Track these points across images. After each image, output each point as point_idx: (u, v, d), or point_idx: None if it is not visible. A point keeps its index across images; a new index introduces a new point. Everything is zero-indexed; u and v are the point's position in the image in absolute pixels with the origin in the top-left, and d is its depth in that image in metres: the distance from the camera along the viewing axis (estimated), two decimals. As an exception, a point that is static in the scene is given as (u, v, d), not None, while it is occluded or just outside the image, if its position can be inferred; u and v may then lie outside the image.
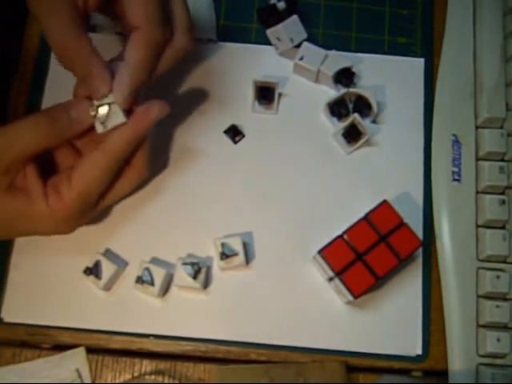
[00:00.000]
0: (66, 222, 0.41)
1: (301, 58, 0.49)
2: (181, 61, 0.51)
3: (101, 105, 0.39)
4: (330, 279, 0.45)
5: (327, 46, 0.50)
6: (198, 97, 0.50)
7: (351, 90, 0.49)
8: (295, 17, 0.49)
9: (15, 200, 0.39)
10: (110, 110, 0.39)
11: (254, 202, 0.48)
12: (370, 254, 0.44)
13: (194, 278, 0.44)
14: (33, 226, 0.41)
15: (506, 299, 0.46)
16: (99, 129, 0.40)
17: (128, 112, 0.40)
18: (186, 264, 0.44)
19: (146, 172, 0.44)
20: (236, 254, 0.45)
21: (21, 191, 0.39)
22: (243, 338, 0.46)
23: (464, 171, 0.48)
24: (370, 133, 0.48)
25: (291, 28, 0.50)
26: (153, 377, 0.45)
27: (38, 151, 0.39)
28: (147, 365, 0.45)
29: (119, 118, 0.40)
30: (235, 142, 0.50)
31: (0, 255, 0.47)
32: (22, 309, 0.46)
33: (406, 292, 0.47)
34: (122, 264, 0.47)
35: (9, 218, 0.40)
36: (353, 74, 0.50)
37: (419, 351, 0.46)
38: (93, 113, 0.39)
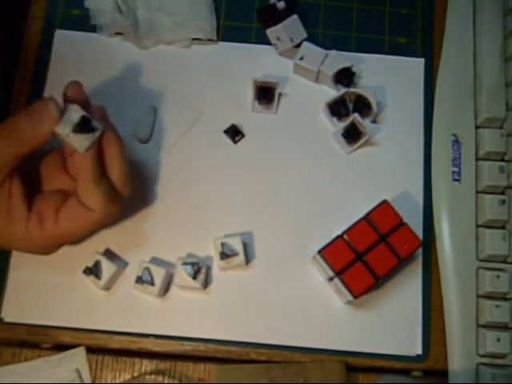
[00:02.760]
0: (43, 248, 0.42)
1: (301, 58, 0.49)
2: (181, 60, 0.52)
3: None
4: (330, 279, 0.45)
5: (327, 46, 0.50)
6: (198, 96, 0.50)
7: (351, 89, 0.49)
8: (295, 16, 0.50)
9: None
10: (82, 131, 0.38)
11: (253, 202, 0.48)
12: (369, 253, 0.44)
13: (194, 277, 0.44)
14: (10, 242, 0.41)
15: (505, 299, 0.46)
16: (59, 129, 0.38)
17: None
18: (185, 264, 0.44)
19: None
20: (236, 254, 0.45)
21: (2, 210, 0.39)
22: (243, 337, 0.46)
23: (464, 171, 0.48)
24: (370, 133, 0.48)
25: (291, 28, 0.50)
26: (153, 377, 0.45)
27: (11, 158, 0.39)
28: (147, 365, 0.45)
29: (81, 147, 0.39)
30: (235, 142, 0.50)
31: (0, 255, 0.47)
32: (22, 309, 0.46)
33: (406, 292, 0.47)
34: (122, 264, 0.47)
35: None
36: (353, 73, 0.49)
37: (419, 351, 0.46)
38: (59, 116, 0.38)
